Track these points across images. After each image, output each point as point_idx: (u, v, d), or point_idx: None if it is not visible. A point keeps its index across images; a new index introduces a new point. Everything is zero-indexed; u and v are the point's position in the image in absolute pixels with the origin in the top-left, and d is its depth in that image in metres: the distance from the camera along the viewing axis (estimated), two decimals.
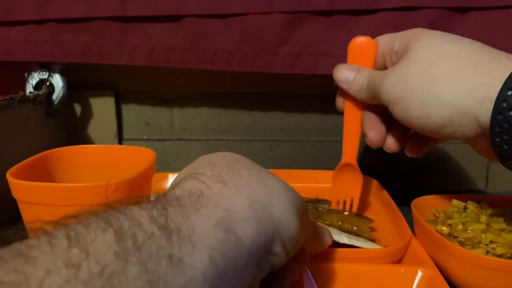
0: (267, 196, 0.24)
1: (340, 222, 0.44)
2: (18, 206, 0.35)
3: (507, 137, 0.30)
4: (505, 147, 0.31)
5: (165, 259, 0.18)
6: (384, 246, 0.42)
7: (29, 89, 0.57)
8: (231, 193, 0.23)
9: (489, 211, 0.42)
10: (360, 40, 0.43)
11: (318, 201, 0.51)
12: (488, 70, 0.32)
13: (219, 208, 0.22)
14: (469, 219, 0.41)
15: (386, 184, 0.54)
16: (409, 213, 0.43)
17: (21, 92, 0.53)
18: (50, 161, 0.42)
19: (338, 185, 0.49)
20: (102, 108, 0.63)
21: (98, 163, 0.44)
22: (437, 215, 0.44)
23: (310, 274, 0.32)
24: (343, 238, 0.40)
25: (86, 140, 0.64)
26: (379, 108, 0.41)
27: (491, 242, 0.38)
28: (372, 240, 0.43)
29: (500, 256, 0.37)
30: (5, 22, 0.53)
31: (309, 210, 0.48)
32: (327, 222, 0.44)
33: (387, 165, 0.62)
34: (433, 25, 0.51)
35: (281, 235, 0.24)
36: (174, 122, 0.65)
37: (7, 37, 0.54)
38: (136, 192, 0.36)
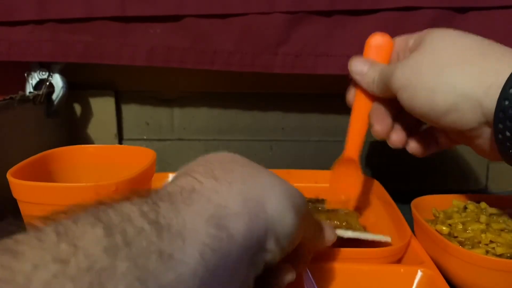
0: (261, 192, 0.24)
1: (328, 221, 0.44)
2: (18, 206, 0.35)
3: (510, 123, 0.30)
4: (508, 133, 0.31)
5: (155, 254, 0.18)
6: (384, 246, 0.42)
7: (29, 89, 0.57)
8: (223, 189, 0.23)
9: (489, 211, 0.42)
10: (378, 37, 0.43)
11: (318, 201, 0.51)
12: (496, 60, 0.33)
13: (211, 203, 0.22)
14: (469, 219, 0.41)
15: (386, 184, 0.54)
16: (409, 213, 0.43)
17: (20, 92, 0.53)
18: (50, 161, 0.42)
19: (337, 180, 0.48)
20: (102, 108, 0.63)
21: (98, 163, 0.44)
22: (437, 215, 0.44)
23: (310, 274, 0.32)
24: (347, 232, 0.40)
25: (86, 140, 0.64)
26: (389, 103, 0.42)
27: (491, 242, 0.38)
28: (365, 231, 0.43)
29: (500, 256, 0.37)
30: (5, 22, 0.53)
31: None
32: None
33: (387, 165, 0.62)
34: (433, 25, 0.50)
35: (275, 232, 0.24)
36: (174, 122, 0.65)
37: (7, 37, 0.54)
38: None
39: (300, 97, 0.63)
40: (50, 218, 0.18)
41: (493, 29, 0.51)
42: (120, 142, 0.65)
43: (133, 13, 0.52)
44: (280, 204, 0.25)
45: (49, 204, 0.33)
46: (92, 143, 0.64)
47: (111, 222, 0.18)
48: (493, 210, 0.42)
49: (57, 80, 0.57)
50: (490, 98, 0.31)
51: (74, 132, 0.63)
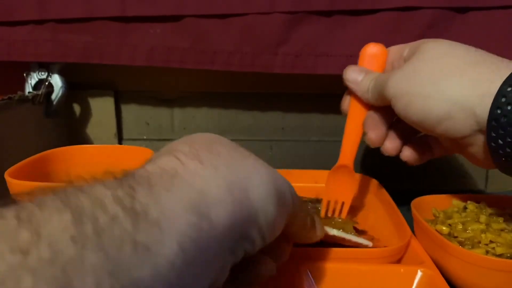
0: (246, 177, 0.23)
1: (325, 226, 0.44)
2: None
3: (503, 132, 0.31)
4: (500, 142, 0.31)
5: (129, 245, 0.16)
6: (384, 246, 0.42)
7: (28, 89, 0.57)
8: (207, 173, 0.21)
9: (489, 211, 0.42)
10: (373, 46, 0.44)
11: (318, 201, 0.51)
12: (490, 69, 0.33)
13: (192, 188, 0.20)
14: (469, 219, 0.41)
15: (386, 184, 0.54)
16: (409, 213, 0.43)
17: (20, 92, 0.53)
18: (49, 161, 0.42)
19: (331, 187, 0.48)
20: (102, 108, 0.63)
21: (98, 163, 0.44)
22: (437, 215, 0.44)
23: (310, 274, 0.32)
24: (333, 230, 0.40)
25: (86, 140, 0.64)
26: (383, 111, 0.42)
27: (491, 242, 0.38)
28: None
29: (500, 256, 0.37)
30: (5, 22, 0.53)
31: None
32: None
33: (387, 165, 0.62)
34: (433, 25, 0.51)
35: (258, 220, 0.23)
36: (174, 122, 0.65)
37: (7, 37, 0.54)
38: None
39: (300, 97, 0.63)
40: (12, 201, 0.16)
41: (493, 29, 0.51)
42: (120, 142, 0.65)
43: (133, 13, 0.52)
44: (264, 190, 0.24)
45: None
46: (92, 143, 0.64)
47: (81, 207, 0.16)
48: (493, 210, 0.42)
49: (56, 80, 0.57)
50: (483, 107, 0.32)
51: (74, 132, 0.63)
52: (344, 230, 0.43)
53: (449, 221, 0.42)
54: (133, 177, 0.19)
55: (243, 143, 0.70)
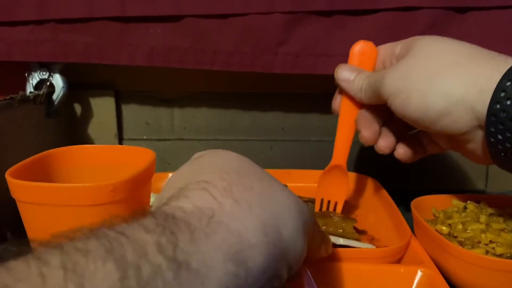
0: (278, 216, 0.23)
1: (324, 227, 0.44)
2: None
3: (502, 127, 0.31)
4: (500, 137, 0.31)
5: None
6: (384, 246, 0.42)
7: (29, 89, 0.57)
8: (242, 214, 0.21)
9: (489, 211, 0.42)
10: (362, 45, 0.44)
11: None
12: (488, 64, 0.33)
13: (230, 234, 0.20)
14: (468, 219, 0.41)
15: (386, 184, 0.54)
16: (409, 213, 0.43)
17: (21, 92, 0.53)
18: (50, 161, 0.42)
19: (324, 187, 0.48)
20: (102, 108, 0.63)
21: (98, 163, 0.44)
22: (437, 215, 0.44)
23: (310, 274, 0.32)
24: (339, 240, 0.41)
25: (86, 140, 0.64)
26: (376, 109, 0.42)
27: (491, 242, 0.38)
28: (359, 240, 0.43)
29: (500, 256, 0.37)
30: (5, 22, 0.53)
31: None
32: None
33: (386, 165, 0.62)
34: (433, 25, 0.51)
35: (288, 258, 0.23)
36: (174, 122, 0.65)
37: (8, 37, 0.54)
38: (137, 193, 0.36)
39: (300, 97, 0.63)
40: (57, 244, 0.16)
41: (493, 29, 0.51)
42: (120, 142, 0.65)
43: (133, 13, 0.52)
44: (294, 227, 0.24)
45: (48, 204, 0.33)
46: (92, 143, 0.64)
47: (125, 257, 0.16)
48: (493, 210, 0.42)
49: (58, 80, 0.57)
50: (482, 102, 0.32)
51: (74, 132, 0.63)
52: (344, 230, 0.44)
53: (449, 221, 0.42)
54: (173, 220, 0.19)
55: (243, 143, 0.71)
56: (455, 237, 0.40)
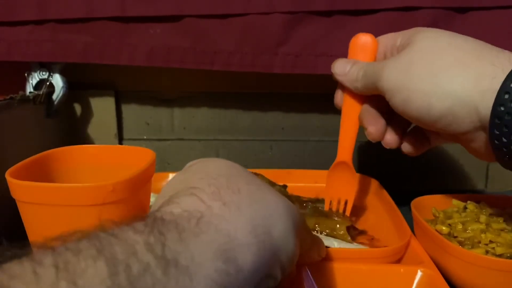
0: (268, 216, 0.23)
1: (316, 225, 0.44)
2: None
3: (506, 130, 0.30)
4: (504, 139, 0.30)
5: None
6: (384, 246, 0.42)
7: (29, 89, 0.57)
8: (232, 215, 0.22)
9: (489, 211, 0.42)
10: (362, 37, 0.43)
11: (318, 200, 0.51)
12: (492, 63, 0.32)
13: (219, 233, 0.20)
14: (468, 219, 0.41)
15: (386, 184, 0.54)
16: (409, 213, 0.43)
17: (21, 92, 0.53)
18: (50, 161, 0.42)
19: (332, 185, 0.48)
20: (102, 108, 0.63)
21: (98, 163, 0.44)
22: (437, 215, 0.44)
23: (310, 274, 0.32)
24: (333, 243, 0.41)
25: (86, 140, 0.64)
26: (378, 103, 0.41)
27: (491, 242, 0.38)
28: (351, 242, 0.43)
29: (500, 256, 0.37)
30: (5, 22, 0.53)
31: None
32: None
33: (387, 165, 0.62)
34: (433, 25, 0.50)
35: (280, 258, 0.24)
36: (174, 122, 0.65)
37: (8, 37, 0.54)
38: (137, 193, 0.36)
39: (300, 97, 0.63)
40: (49, 246, 0.17)
41: (493, 29, 0.51)
42: (120, 142, 0.65)
43: (133, 13, 0.52)
44: (284, 227, 0.24)
45: (48, 204, 0.33)
46: (92, 143, 0.64)
47: (115, 255, 0.17)
48: (493, 210, 0.42)
49: (57, 80, 0.57)
50: (485, 103, 0.31)
51: (74, 132, 0.63)
52: (333, 231, 0.43)
53: (449, 221, 0.42)
54: (162, 222, 0.20)
55: (243, 143, 0.71)
56: (455, 237, 0.40)
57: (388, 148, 0.42)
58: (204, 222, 0.21)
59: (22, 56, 0.54)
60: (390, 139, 0.41)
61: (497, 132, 0.31)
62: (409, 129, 0.42)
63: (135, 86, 0.64)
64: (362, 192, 0.55)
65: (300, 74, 0.54)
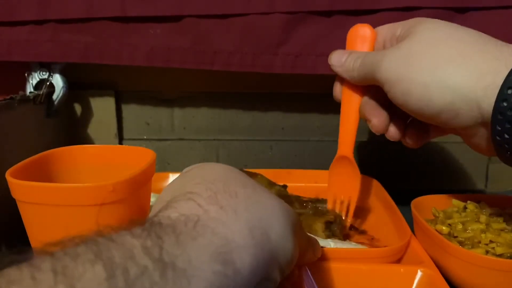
0: (265, 218, 0.23)
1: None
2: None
3: (509, 126, 0.30)
4: (506, 136, 0.30)
5: None
6: (384, 246, 0.42)
7: (29, 89, 0.57)
8: (228, 218, 0.22)
9: (489, 211, 0.42)
10: (360, 28, 0.42)
11: (318, 200, 0.51)
12: (495, 57, 0.31)
13: (216, 236, 0.20)
14: (468, 219, 0.41)
15: (386, 184, 0.54)
16: (409, 213, 0.43)
17: (21, 92, 0.53)
18: (50, 161, 0.42)
19: (335, 182, 0.47)
20: (102, 108, 0.63)
21: (98, 163, 0.44)
22: (437, 214, 0.44)
23: (310, 274, 0.32)
24: (330, 244, 0.40)
25: (86, 140, 0.64)
26: (378, 94, 0.40)
27: (491, 241, 0.38)
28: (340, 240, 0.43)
29: (500, 255, 0.37)
30: (5, 22, 0.53)
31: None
32: None
33: (387, 165, 0.62)
34: None
35: (278, 260, 0.24)
36: (174, 122, 0.65)
37: (8, 37, 0.54)
38: (137, 193, 0.36)
39: (300, 97, 0.63)
40: (47, 251, 0.17)
41: (493, 29, 0.51)
42: (120, 142, 0.65)
43: (133, 13, 0.53)
44: (282, 229, 0.24)
45: (48, 204, 0.33)
46: (92, 143, 0.64)
47: (113, 259, 0.17)
48: (493, 210, 0.42)
49: (58, 80, 0.57)
50: (488, 99, 0.30)
51: (74, 132, 0.63)
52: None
53: (449, 221, 0.42)
54: (159, 226, 0.20)
55: (243, 143, 0.71)
56: (455, 237, 0.40)
57: (392, 140, 0.41)
58: (201, 226, 0.21)
59: (22, 56, 0.54)
60: (394, 131, 0.41)
61: (499, 128, 0.30)
62: (409, 120, 0.41)
63: (135, 86, 0.64)
64: (362, 192, 0.55)
65: (300, 74, 0.54)
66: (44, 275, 0.15)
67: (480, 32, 0.34)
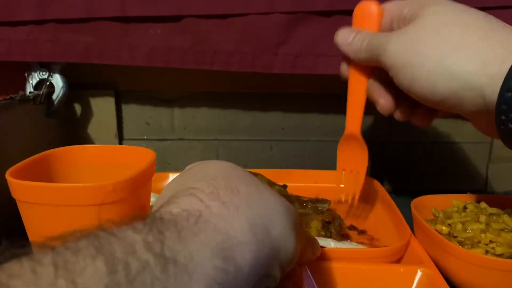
0: (266, 215, 0.24)
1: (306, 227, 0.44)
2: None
3: None
4: (510, 125, 0.30)
5: None
6: (384, 246, 0.42)
7: (29, 89, 0.57)
8: (230, 215, 0.22)
9: (489, 211, 0.42)
10: (366, 5, 0.42)
11: (318, 200, 0.51)
12: (501, 45, 0.31)
13: (218, 232, 0.21)
14: (468, 218, 0.41)
15: (386, 184, 0.54)
16: (409, 213, 0.43)
17: (21, 92, 0.53)
18: (50, 161, 0.42)
19: (343, 158, 0.47)
20: (102, 108, 0.63)
21: (98, 163, 0.44)
22: (437, 214, 0.44)
23: (310, 274, 0.32)
24: (330, 243, 0.40)
25: (86, 140, 0.64)
26: (385, 75, 0.40)
27: (491, 241, 0.38)
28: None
29: (500, 255, 0.37)
30: (5, 22, 0.53)
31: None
32: None
33: (387, 165, 0.62)
34: None
35: (279, 257, 0.24)
36: (174, 122, 0.65)
37: (8, 37, 0.54)
38: (137, 193, 0.36)
39: (300, 97, 0.63)
40: (48, 245, 0.17)
41: None
42: (120, 142, 0.65)
43: (134, 13, 0.53)
44: (283, 227, 0.24)
45: (48, 204, 0.33)
46: (92, 143, 0.64)
47: (114, 254, 0.17)
48: (493, 210, 0.42)
49: (58, 80, 0.57)
50: (492, 88, 0.30)
51: (74, 132, 0.63)
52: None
53: (449, 221, 0.42)
54: (161, 221, 0.20)
55: (243, 143, 0.71)
56: (455, 237, 0.40)
57: (400, 120, 0.41)
58: (203, 221, 0.21)
59: (22, 56, 0.54)
60: (401, 112, 0.41)
61: (504, 118, 0.30)
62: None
63: (135, 86, 0.64)
64: (362, 192, 0.55)
65: (300, 74, 0.54)
66: (45, 269, 0.15)
67: (489, 15, 0.34)
